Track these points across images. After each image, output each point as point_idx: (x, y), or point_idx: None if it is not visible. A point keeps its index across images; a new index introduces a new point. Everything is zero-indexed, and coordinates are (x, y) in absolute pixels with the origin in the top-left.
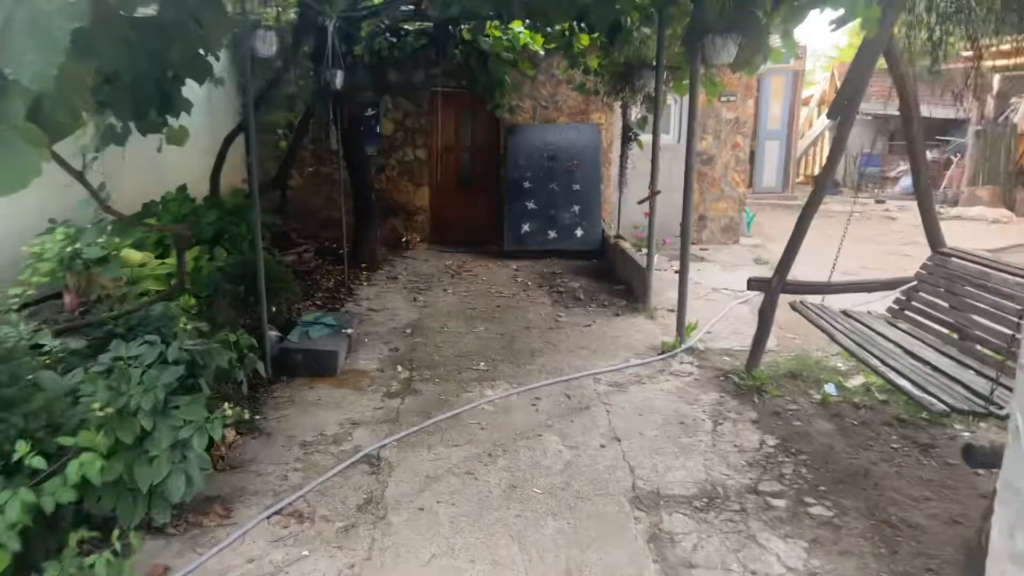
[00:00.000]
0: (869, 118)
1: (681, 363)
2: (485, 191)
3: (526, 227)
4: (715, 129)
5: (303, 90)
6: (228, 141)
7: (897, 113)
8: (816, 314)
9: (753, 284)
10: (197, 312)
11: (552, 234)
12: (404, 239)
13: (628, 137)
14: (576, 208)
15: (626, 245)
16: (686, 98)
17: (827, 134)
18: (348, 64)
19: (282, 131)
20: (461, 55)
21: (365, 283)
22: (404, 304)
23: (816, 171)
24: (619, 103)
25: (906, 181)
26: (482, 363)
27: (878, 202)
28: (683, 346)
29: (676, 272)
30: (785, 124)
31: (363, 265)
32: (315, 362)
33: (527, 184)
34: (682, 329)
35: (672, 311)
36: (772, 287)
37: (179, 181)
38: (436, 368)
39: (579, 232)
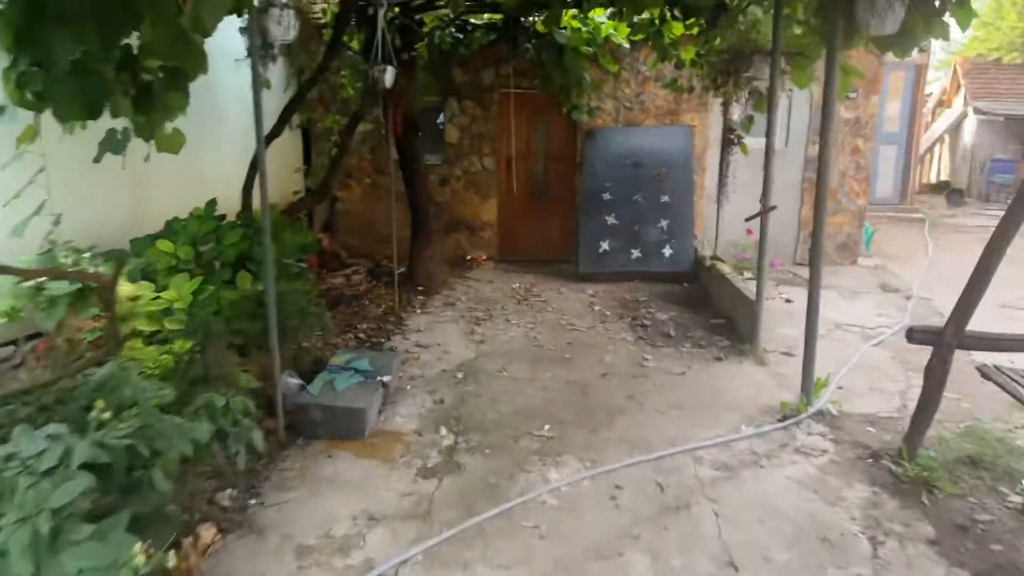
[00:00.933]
0: (1001, 119)
1: (810, 434)
2: (559, 204)
3: (605, 245)
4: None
5: (357, 90)
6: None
7: None
8: (1017, 383)
9: (917, 336)
10: (188, 363)
11: (635, 253)
12: (468, 257)
13: (729, 140)
14: (664, 223)
15: (726, 269)
16: (799, 95)
17: (946, 138)
18: (406, 61)
19: (335, 138)
20: (534, 50)
21: (418, 310)
22: (459, 338)
23: (932, 179)
24: (719, 100)
25: None
26: (546, 426)
27: None
28: (811, 409)
29: (787, 301)
30: (905, 126)
31: (419, 288)
32: (337, 422)
33: (607, 195)
34: (809, 385)
35: (788, 354)
36: (944, 340)
37: (224, 195)
38: (488, 431)
39: (667, 251)
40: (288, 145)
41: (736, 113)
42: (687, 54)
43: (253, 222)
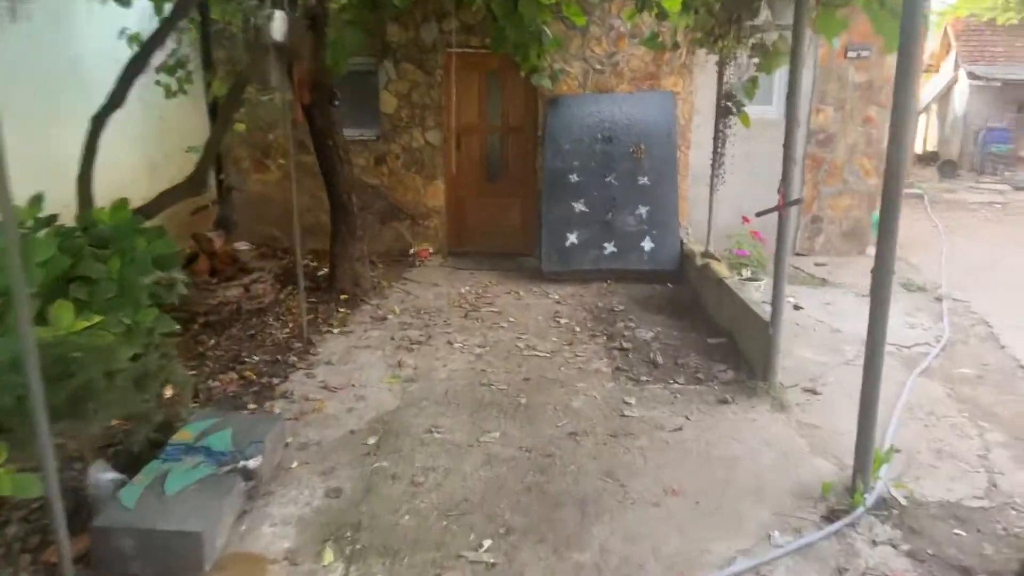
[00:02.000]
0: (998, 84)
1: (875, 543)
2: (519, 185)
3: (572, 238)
4: (838, 98)
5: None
6: (98, 123)
7: None
8: None
9: None
10: None
11: (609, 248)
12: (411, 251)
13: (726, 109)
14: (642, 211)
15: (722, 272)
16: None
17: (934, 106)
18: (314, 9)
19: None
20: (483, 1)
21: (336, 329)
22: (382, 373)
23: (918, 151)
24: (707, 62)
25: None
26: (487, 540)
27: (1018, 189)
28: (869, 499)
29: (795, 307)
30: None
31: (342, 297)
32: (160, 553)
33: (574, 177)
34: (865, 462)
35: (812, 392)
36: None
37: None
38: (398, 555)
39: (647, 245)
40: (191, 120)
41: (732, 75)
42: (671, 3)
43: (94, 225)
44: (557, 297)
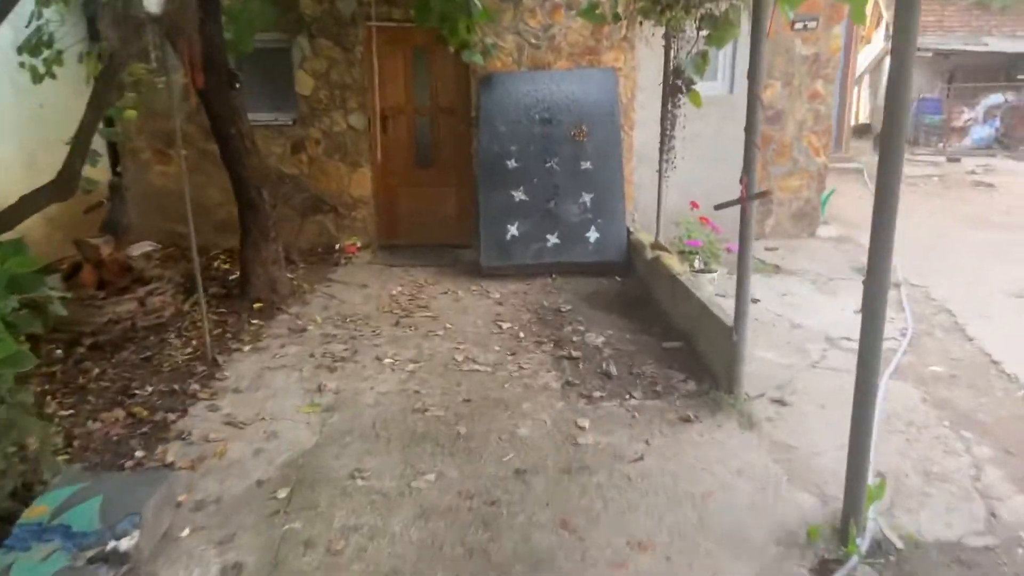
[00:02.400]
0: (929, 55)
1: None
2: (454, 171)
3: (513, 230)
4: (785, 72)
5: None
6: None
7: (962, 47)
8: None
9: None
10: None
11: (552, 239)
12: (337, 247)
13: (675, 87)
14: (586, 198)
15: (674, 265)
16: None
17: (866, 77)
18: None
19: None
20: None
21: (247, 345)
22: (298, 401)
23: (851, 122)
24: (651, 35)
25: (978, 132)
26: None
27: (951, 160)
28: (863, 543)
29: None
30: (840, 60)
31: (256, 305)
32: None
33: (512, 162)
34: (857, 504)
35: (780, 403)
36: None
37: None
38: None
39: (592, 236)
40: (77, 106)
41: (682, 50)
42: None
43: None
44: (498, 296)
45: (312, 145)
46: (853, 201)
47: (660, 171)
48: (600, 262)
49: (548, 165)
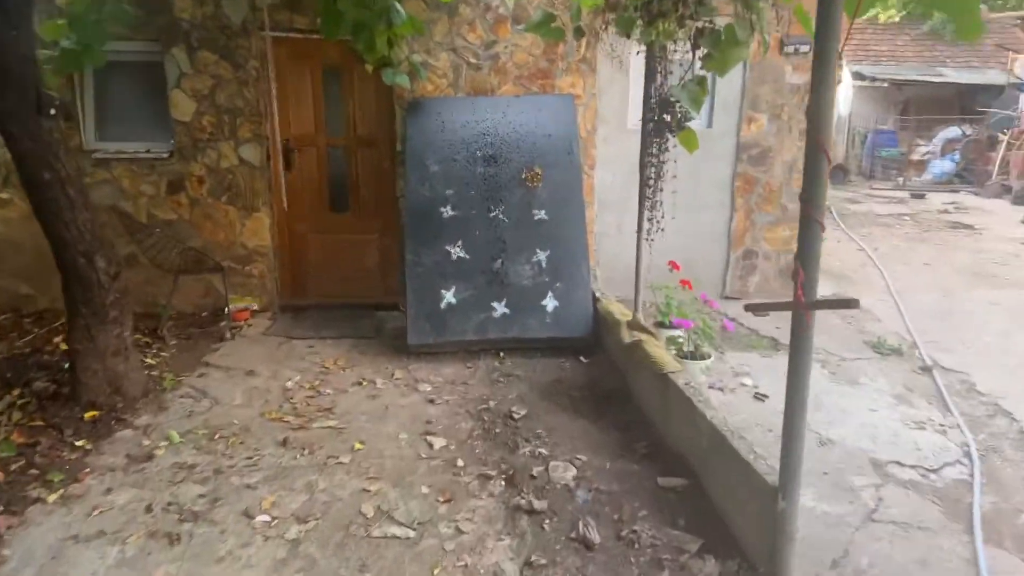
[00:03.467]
0: (885, 85)
1: None
2: (374, 216)
3: (449, 295)
4: (772, 104)
5: None
6: None
7: (916, 79)
8: None
9: None
10: None
11: (499, 309)
12: (225, 311)
13: (661, 124)
14: (542, 256)
15: (663, 358)
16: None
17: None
18: None
19: None
20: None
21: (57, 488)
22: None
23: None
24: (623, 51)
25: (938, 166)
26: None
27: (916, 196)
28: None
29: (757, 396)
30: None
31: (88, 414)
32: None
33: (447, 210)
34: None
35: None
36: None
37: None
38: None
39: (550, 304)
40: None
41: (665, 76)
42: None
43: None
44: (429, 389)
45: (194, 184)
46: (830, 245)
47: (640, 233)
48: (560, 337)
49: (493, 214)
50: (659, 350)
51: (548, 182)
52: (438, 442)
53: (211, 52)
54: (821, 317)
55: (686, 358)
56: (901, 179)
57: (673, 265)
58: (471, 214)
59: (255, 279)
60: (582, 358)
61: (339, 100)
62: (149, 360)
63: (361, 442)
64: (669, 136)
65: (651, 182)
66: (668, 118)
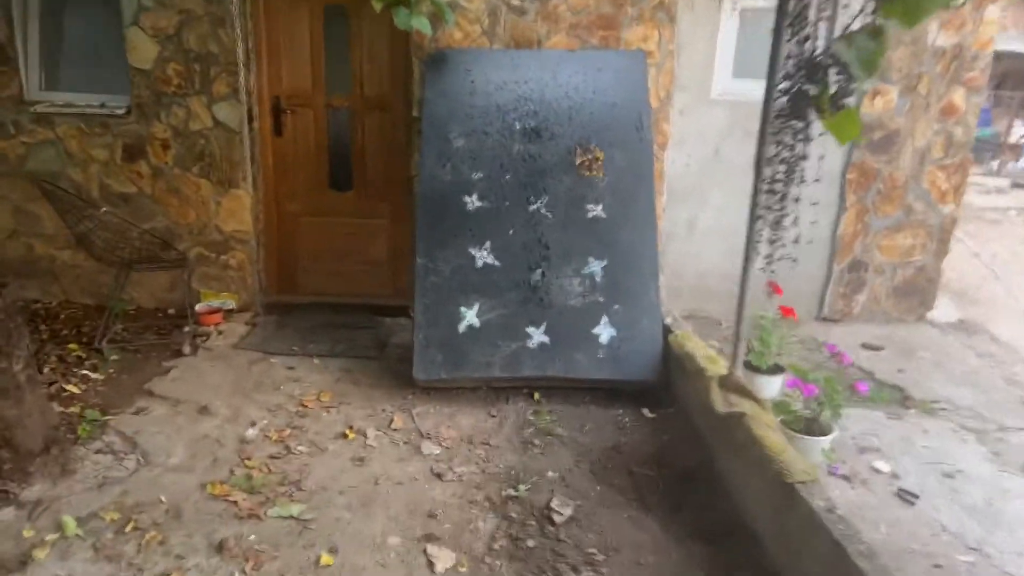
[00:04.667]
0: None
1: None
2: (384, 196)
3: (471, 315)
4: (907, 72)
5: None
6: None
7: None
8: None
9: None
10: None
11: (536, 335)
12: (191, 312)
13: (804, 101)
14: (596, 267)
15: (782, 451)
16: None
17: None
18: None
19: None
20: None
21: None
22: None
23: None
24: None
25: None
26: None
27: (1019, 186)
28: None
29: (903, 495)
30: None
31: None
32: None
33: (472, 201)
34: None
35: None
36: None
37: None
38: None
39: (604, 332)
40: None
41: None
42: None
43: None
44: (438, 452)
45: (157, 150)
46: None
47: (750, 259)
48: (617, 380)
49: (533, 208)
50: (775, 437)
51: (609, 167)
52: (443, 558)
53: None
54: (943, 346)
55: (801, 432)
56: (995, 164)
57: (773, 287)
58: (504, 206)
59: (232, 271)
60: (646, 411)
61: (344, 49)
62: (72, 388)
63: (332, 551)
64: (813, 112)
65: (776, 186)
66: (814, 90)
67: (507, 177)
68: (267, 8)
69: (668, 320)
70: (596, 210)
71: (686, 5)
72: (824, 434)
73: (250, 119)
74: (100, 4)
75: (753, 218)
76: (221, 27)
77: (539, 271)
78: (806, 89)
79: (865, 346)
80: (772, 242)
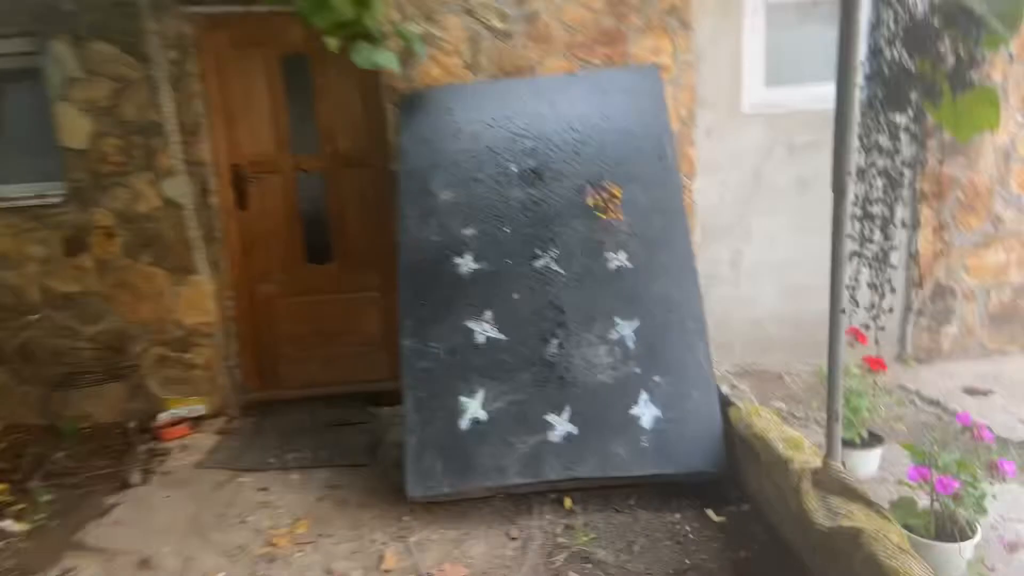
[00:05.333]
0: None
1: None
2: (371, 267)
3: (474, 406)
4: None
5: None
6: None
7: None
8: None
9: None
10: None
11: (559, 425)
12: (151, 429)
13: (907, 84)
14: (625, 329)
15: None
16: None
17: None
18: None
19: None
20: None
21: None
22: None
23: None
24: None
25: None
26: None
27: None
28: None
29: None
30: None
31: None
32: None
33: (466, 263)
34: None
35: None
36: None
37: None
38: None
39: (646, 412)
40: None
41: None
42: None
43: None
44: None
45: (101, 240)
46: None
47: (838, 308)
48: (668, 474)
49: (541, 263)
50: (914, 568)
51: (630, 207)
52: None
53: (108, 43)
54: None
55: (932, 536)
56: None
57: (856, 335)
58: (505, 266)
59: (199, 371)
60: (711, 512)
61: (309, 103)
62: None
63: None
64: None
65: (873, 208)
66: (922, 67)
67: (506, 230)
68: (217, 65)
69: (725, 388)
70: (619, 259)
71: (701, 7)
72: (964, 538)
73: (205, 193)
74: (25, 80)
75: (838, 256)
76: (156, 89)
77: (555, 341)
78: (908, 69)
79: (969, 391)
80: (876, 287)
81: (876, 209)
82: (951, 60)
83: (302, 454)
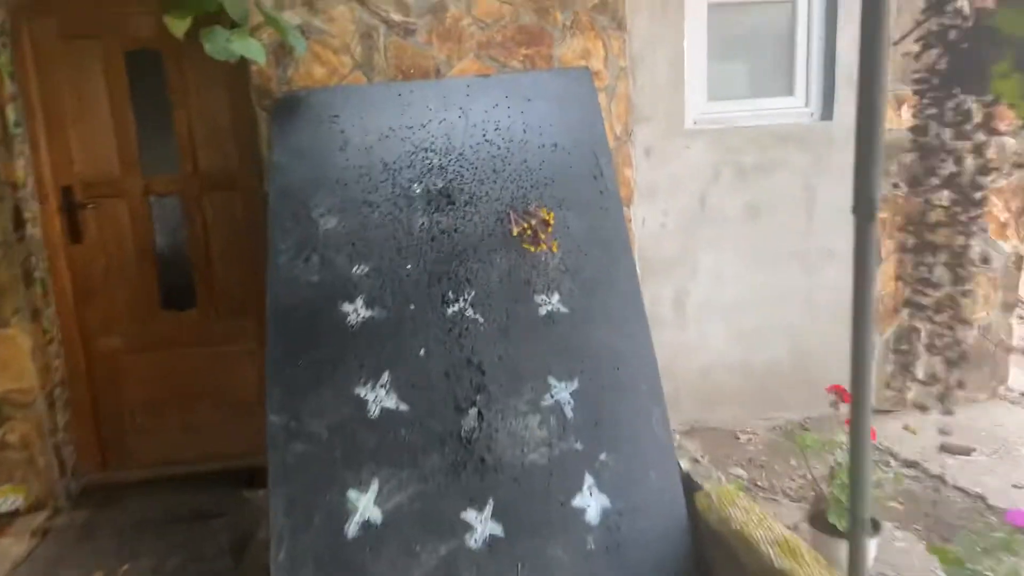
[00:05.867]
0: None
1: None
2: (242, 312)
3: (364, 506)
4: None
5: None
6: None
7: None
8: None
9: None
10: None
11: (480, 527)
12: None
13: (982, 50)
14: (561, 392)
15: None
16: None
17: None
18: None
19: None
20: None
21: None
22: None
23: None
24: None
25: None
26: None
27: None
28: None
29: None
30: None
31: None
32: None
33: (356, 310)
34: None
35: None
36: None
37: None
38: None
39: (591, 504)
40: None
41: None
42: None
43: None
44: None
45: None
46: None
47: (862, 357)
48: None
49: (454, 310)
50: None
51: (563, 236)
52: None
53: None
54: (1000, 416)
55: None
56: None
57: (840, 393)
58: (408, 313)
59: (14, 451)
60: None
61: (164, 111)
62: None
63: None
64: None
65: (935, 236)
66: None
67: (408, 267)
68: (40, 60)
69: (685, 464)
70: (551, 302)
71: (636, 6)
72: None
73: (20, 224)
74: None
75: (862, 300)
76: None
77: (473, 412)
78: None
79: (946, 449)
80: (935, 348)
81: (940, 237)
82: None
83: (143, 561)
